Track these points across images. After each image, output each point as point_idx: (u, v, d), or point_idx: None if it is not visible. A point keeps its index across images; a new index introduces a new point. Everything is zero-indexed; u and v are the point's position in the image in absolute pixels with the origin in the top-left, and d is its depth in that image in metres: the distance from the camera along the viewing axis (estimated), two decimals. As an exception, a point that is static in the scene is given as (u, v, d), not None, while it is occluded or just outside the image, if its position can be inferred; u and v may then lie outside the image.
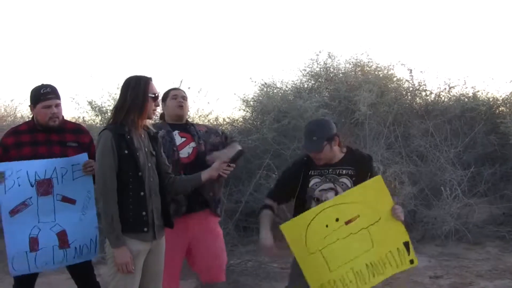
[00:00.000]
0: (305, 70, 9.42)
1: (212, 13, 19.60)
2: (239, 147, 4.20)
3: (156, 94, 3.57)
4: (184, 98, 4.42)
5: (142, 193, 3.45)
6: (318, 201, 3.86)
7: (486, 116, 9.06)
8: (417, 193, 7.33)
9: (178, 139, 4.22)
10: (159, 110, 4.31)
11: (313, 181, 3.90)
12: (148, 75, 3.58)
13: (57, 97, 4.01)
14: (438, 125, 8.33)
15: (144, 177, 3.47)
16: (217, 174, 3.78)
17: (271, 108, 8.08)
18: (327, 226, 3.57)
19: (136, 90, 3.47)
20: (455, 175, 7.45)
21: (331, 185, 3.86)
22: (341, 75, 9.11)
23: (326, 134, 3.79)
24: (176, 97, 4.38)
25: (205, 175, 3.78)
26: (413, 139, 8.20)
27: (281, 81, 9.22)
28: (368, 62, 9.24)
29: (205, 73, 17.06)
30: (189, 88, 7.99)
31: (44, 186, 3.81)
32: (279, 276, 5.94)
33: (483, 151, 8.66)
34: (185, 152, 4.20)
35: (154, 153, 3.64)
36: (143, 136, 3.59)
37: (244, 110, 9.13)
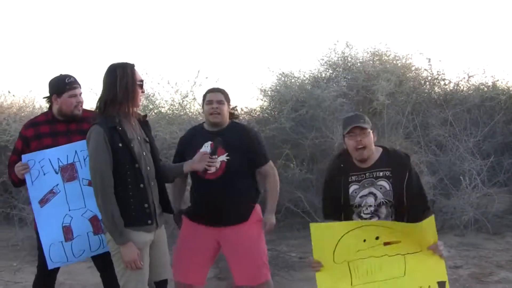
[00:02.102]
0: (322, 59, 9.37)
1: (230, 3, 19.54)
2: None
3: (143, 81, 3.52)
4: (220, 102, 4.13)
5: (142, 185, 3.42)
6: (359, 207, 3.75)
7: (506, 106, 9.00)
8: (436, 182, 7.30)
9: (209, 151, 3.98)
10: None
11: (352, 188, 3.78)
12: (131, 62, 3.49)
13: (80, 86, 4.04)
14: (457, 115, 8.26)
15: (141, 167, 3.42)
16: (202, 167, 3.66)
17: (289, 97, 8.05)
18: (364, 240, 3.38)
19: (125, 79, 3.38)
20: (474, 164, 7.40)
21: (370, 189, 3.75)
22: (359, 64, 9.06)
23: (370, 124, 3.71)
24: (211, 102, 4.14)
25: (186, 167, 3.70)
26: (431, 129, 8.15)
27: (299, 71, 9.18)
28: (386, 51, 9.17)
29: (223, 63, 17.02)
30: (206, 78, 7.98)
31: (68, 171, 3.80)
32: (297, 266, 5.95)
33: (503, 140, 8.60)
34: (212, 168, 3.91)
35: (147, 139, 3.61)
36: (134, 124, 3.53)
37: (261, 100, 9.10)
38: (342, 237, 3.38)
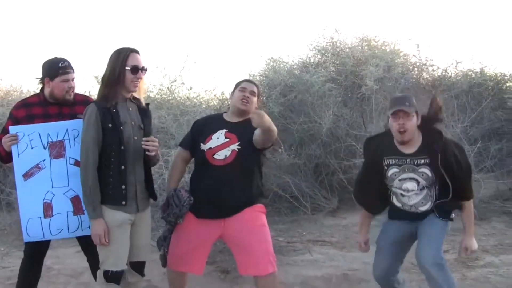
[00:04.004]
0: (311, 44, 9.36)
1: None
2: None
3: (139, 66, 3.55)
4: (253, 93, 4.15)
5: (123, 167, 3.52)
6: (399, 189, 3.93)
7: (493, 92, 9.06)
8: (423, 168, 7.30)
9: (221, 139, 4.02)
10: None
11: (391, 171, 3.92)
12: (132, 47, 3.59)
13: (73, 71, 4.02)
14: (445, 100, 8.24)
15: (127, 151, 3.52)
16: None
17: (277, 82, 8.07)
18: None
19: (115, 63, 3.51)
20: (461, 150, 7.40)
21: (411, 174, 3.87)
22: (347, 49, 9.05)
23: (415, 106, 3.81)
24: (244, 90, 4.14)
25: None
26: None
27: (288, 56, 9.18)
28: (375, 37, 9.19)
29: (212, 48, 16.97)
30: (195, 62, 7.97)
31: (56, 148, 3.78)
32: (284, 250, 5.97)
33: (490, 126, 8.64)
34: (222, 155, 3.99)
35: (142, 126, 3.66)
36: (130, 109, 3.62)
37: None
38: None
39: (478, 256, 5.74)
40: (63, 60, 3.97)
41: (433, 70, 9.25)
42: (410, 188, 3.88)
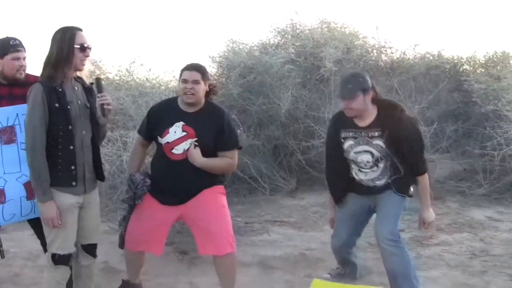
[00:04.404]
0: (271, 26, 9.35)
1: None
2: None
3: (85, 45, 3.47)
4: (196, 82, 3.94)
5: (71, 147, 3.45)
6: (354, 163, 4.04)
7: (450, 74, 9.16)
8: (380, 148, 7.39)
9: (178, 133, 3.96)
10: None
11: (347, 143, 4.03)
12: (76, 26, 3.51)
13: (25, 50, 3.94)
14: (403, 82, 8.36)
15: (75, 131, 3.45)
16: (100, 108, 3.57)
17: (237, 63, 8.03)
18: None
19: (61, 42, 3.41)
20: (418, 131, 7.50)
21: (365, 147, 3.96)
22: (307, 31, 9.07)
23: (361, 85, 3.91)
24: (186, 81, 3.95)
25: (99, 119, 3.64)
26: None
27: (248, 37, 9.16)
28: (335, 19, 9.22)
29: (172, 29, 16.83)
30: (154, 44, 7.90)
31: (7, 134, 3.68)
32: (242, 230, 5.99)
33: (447, 108, 8.75)
34: (180, 149, 3.95)
35: (88, 105, 3.60)
36: (76, 88, 3.55)
37: (210, 66, 9.04)
38: None
39: (432, 235, 5.84)
40: (14, 39, 3.89)
41: (391, 53, 9.32)
42: (365, 160, 3.97)
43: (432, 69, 8.97)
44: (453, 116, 8.84)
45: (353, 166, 4.10)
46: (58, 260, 3.49)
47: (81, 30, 3.50)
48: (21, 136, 3.70)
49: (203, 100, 4.07)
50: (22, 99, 3.79)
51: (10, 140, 3.71)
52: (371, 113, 3.98)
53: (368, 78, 4.00)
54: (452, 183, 7.74)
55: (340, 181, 4.24)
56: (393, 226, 3.98)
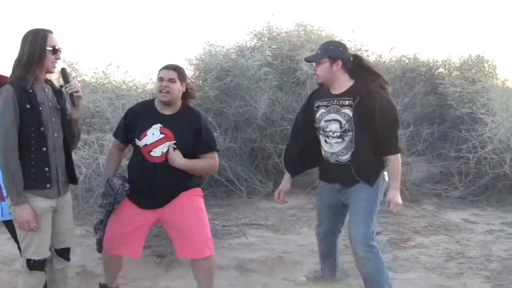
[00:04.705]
0: (248, 29, 9.36)
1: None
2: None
3: (56, 47, 3.46)
4: (172, 80, 3.92)
5: (44, 149, 3.41)
6: (323, 132, 4.04)
7: (425, 77, 9.22)
8: (357, 151, 7.41)
9: (156, 135, 3.93)
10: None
11: (319, 112, 4.06)
12: (47, 28, 3.49)
13: None
14: (379, 85, 8.39)
15: (47, 132, 3.42)
16: (70, 98, 3.58)
17: (213, 66, 8.02)
18: None
19: (33, 44, 3.39)
20: (394, 134, 7.54)
21: (335, 115, 3.97)
22: (283, 34, 9.10)
23: (330, 52, 3.97)
24: (161, 79, 3.94)
25: (72, 113, 3.64)
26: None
27: (224, 40, 9.16)
28: (311, 22, 9.25)
29: (149, 32, 16.77)
30: (130, 46, 7.85)
31: None
32: (220, 233, 5.96)
33: (422, 111, 8.82)
34: (159, 151, 3.92)
35: (59, 107, 3.56)
36: (47, 90, 3.52)
37: (186, 69, 9.00)
38: None
39: (410, 237, 5.87)
40: None
41: (367, 55, 9.36)
42: (334, 129, 3.98)
43: (408, 72, 9.02)
44: (429, 119, 8.91)
45: (321, 136, 4.09)
46: (33, 265, 3.44)
47: (51, 32, 3.48)
48: None
49: (179, 102, 4.05)
50: None
51: None
52: (347, 83, 4.00)
53: (342, 49, 4.04)
54: (428, 185, 7.79)
55: (298, 153, 4.28)
56: (365, 228, 3.93)
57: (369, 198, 3.97)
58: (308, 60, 4.13)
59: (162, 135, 3.93)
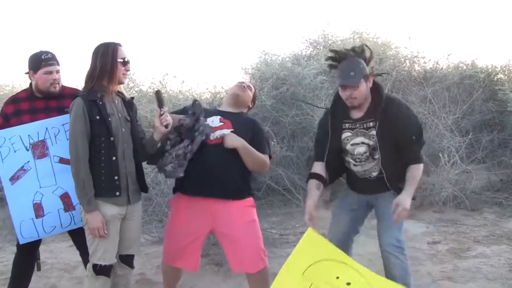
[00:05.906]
0: (303, 37, 9.40)
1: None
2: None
3: (126, 59, 3.58)
4: (250, 88, 4.27)
5: (114, 158, 3.51)
6: (351, 155, 3.91)
7: (484, 83, 9.08)
8: (415, 160, 7.34)
9: (216, 122, 4.00)
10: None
11: (344, 135, 3.91)
12: (116, 41, 3.61)
13: (58, 63, 4.00)
14: (437, 92, 8.31)
15: (117, 142, 3.52)
16: (161, 126, 3.61)
17: (269, 75, 8.07)
18: (337, 278, 3.38)
19: (105, 56, 3.51)
20: (453, 141, 7.46)
21: (362, 139, 3.86)
22: (339, 42, 9.11)
23: (363, 71, 3.73)
24: (242, 82, 4.27)
25: (155, 134, 3.67)
26: (411, 106, 8.16)
27: (280, 49, 9.22)
28: (367, 29, 9.23)
29: (205, 42, 16.93)
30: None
31: (39, 148, 3.77)
32: (278, 242, 5.98)
33: (481, 118, 8.69)
34: (216, 134, 3.95)
35: (128, 118, 3.67)
36: (116, 101, 3.63)
37: (243, 78, 9.10)
38: (324, 260, 3.45)
39: (470, 247, 5.78)
40: (46, 53, 3.96)
41: (424, 62, 9.32)
42: (362, 151, 3.85)
43: (466, 78, 8.91)
44: (488, 126, 8.76)
45: (348, 159, 3.96)
46: (100, 270, 3.54)
47: (121, 45, 3.60)
48: (52, 149, 3.80)
49: (247, 108, 4.29)
50: (58, 111, 3.88)
51: (43, 154, 3.80)
52: (365, 105, 3.86)
53: (365, 65, 3.83)
54: (488, 194, 7.63)
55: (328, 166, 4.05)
56: (398, 232, 3.85)
57: None
58: (347, 84, 3.75)
59: (221, 123, 4.00)
